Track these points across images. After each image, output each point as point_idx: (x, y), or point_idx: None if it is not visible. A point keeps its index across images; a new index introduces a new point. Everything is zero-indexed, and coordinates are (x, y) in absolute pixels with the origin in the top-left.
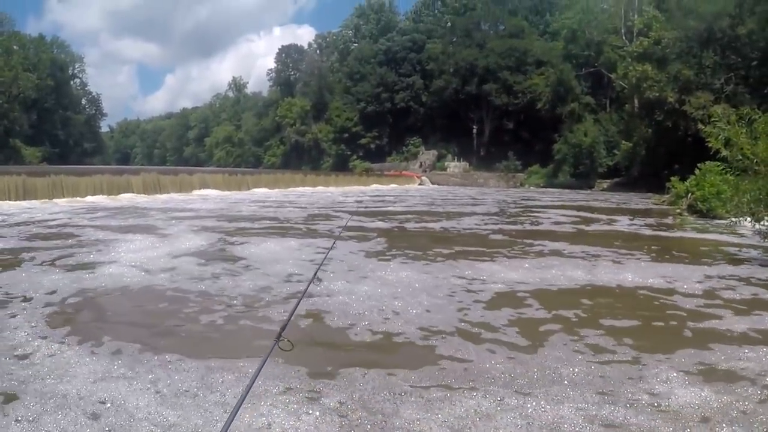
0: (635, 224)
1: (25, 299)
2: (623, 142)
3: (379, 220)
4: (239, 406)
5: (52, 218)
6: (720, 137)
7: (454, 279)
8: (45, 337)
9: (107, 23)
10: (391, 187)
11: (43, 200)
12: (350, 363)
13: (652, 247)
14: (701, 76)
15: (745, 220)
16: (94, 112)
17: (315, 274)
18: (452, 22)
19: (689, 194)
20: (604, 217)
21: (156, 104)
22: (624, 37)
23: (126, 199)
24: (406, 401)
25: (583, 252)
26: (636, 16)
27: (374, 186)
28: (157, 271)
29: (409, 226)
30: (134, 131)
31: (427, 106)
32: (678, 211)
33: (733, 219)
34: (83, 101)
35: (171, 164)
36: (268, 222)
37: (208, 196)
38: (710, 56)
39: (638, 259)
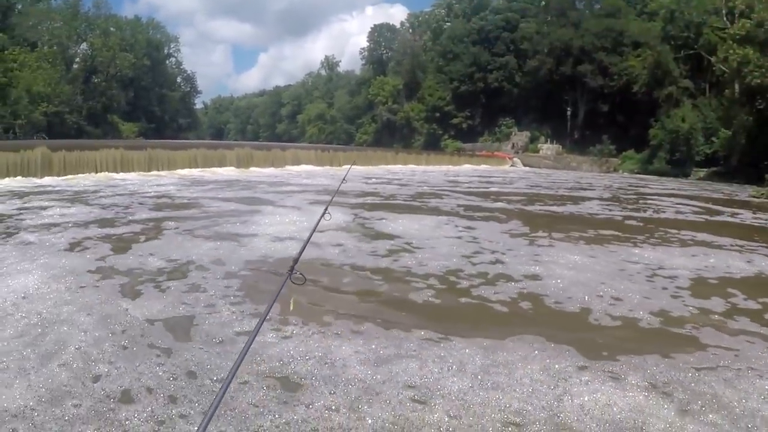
0: (759, 218)
1: (199, 267)
2: (722, 129)
3: (494, 200)
4: (258, 329)
5: (165, 190)
6: None
7: (628, 264)
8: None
9: (202, 4)
10: (482, 168)
11: (140, 173)
12: None
13: None
14: None
15: None
16: (188, 89)
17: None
18: (546, 1)
19: None
20: (723, 208)
21: (249, 82)
22: (725, 19)
23: (221, 173)
24: None
25: (730, 243)
26: None
27: (466, 166)
28: (324, 245)
29: (533, 209)
30: (228, 108)
31: (520, 87)
32: None
33: None
34: (178, 79)
35: (264, 140)
36: (379, 198)
37: (305, 173)
38: None
39: None
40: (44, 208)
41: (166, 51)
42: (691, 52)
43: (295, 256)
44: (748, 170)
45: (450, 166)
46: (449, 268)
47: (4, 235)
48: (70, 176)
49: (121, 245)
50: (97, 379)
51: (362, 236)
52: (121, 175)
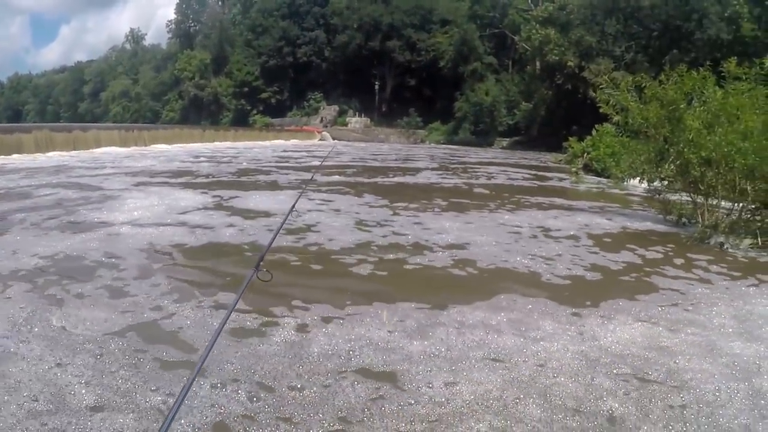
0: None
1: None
2: (523, 102)
3: (329, 174)
4: (220, 329)
5: None
6: (611, 103)
7: (513, 228)
8: None
9: None
10: (292, 143)
11: None
12: None
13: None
14: (603, 43)
15: (637, 179)
16: None
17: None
18: None
19: (585, 154)
20: (547, 174)
21: (50, 57)
22: (530, 2)
23: (18, 159)
24: None
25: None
26: None
27: (276, 141)
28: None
29: (377, 180)
30: (26, 86)
31: (329, 62)
32: (574, 169)
33: (625, 178)
34: None
35: (65, 121)
36: (207, 177)
37: (110, 153)
38: (613, 24)
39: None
40: None
41: None
42: (496, 30)
43: (261, 253)
44: (548, 139)
45: (262, 142)
46: (357, 242)
47: None
48: None
49: None
50: None
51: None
52: None
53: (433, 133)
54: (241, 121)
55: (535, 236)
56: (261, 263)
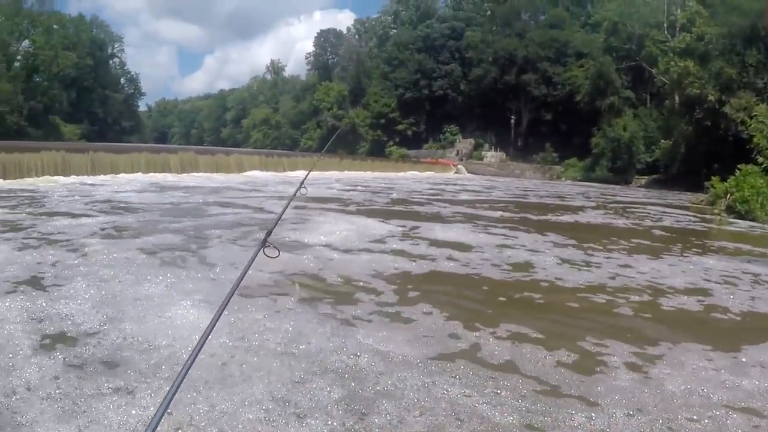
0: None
1: None
2: (662, 140)
3: (491, 208)
4: (227, 302)
5: (127, 196)
6: (766, 133)
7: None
8: None
9: (147, 4)
10: (426, 175)
11: (81, 176)
12: None
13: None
14: (744, 74)
15: None
16: (132, 91)
17: None
18: (492, 10)
19: (728, 195)
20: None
21: (194, 85)
22: (666, 32)
23: (161, 177)
24: None
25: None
26: (679, 11)
27: (411, 173)
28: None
29: (543, 218)
30: (172, 111)
31: (465, 95)
32: (716, 211)
33: None
34: (122, 80)
35: (208, 144)
36: (370, 205)
37: (257, 177)
38: (754, 54)
39: None
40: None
41: (109, 51)
42: (633, 63)
43: (269, 228)
44: (688, 178)
45: (398, 173)
46: (588, 283)
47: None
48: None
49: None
50: None
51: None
52: (74, 179)
53: (569, 170)
54: (377, 152)
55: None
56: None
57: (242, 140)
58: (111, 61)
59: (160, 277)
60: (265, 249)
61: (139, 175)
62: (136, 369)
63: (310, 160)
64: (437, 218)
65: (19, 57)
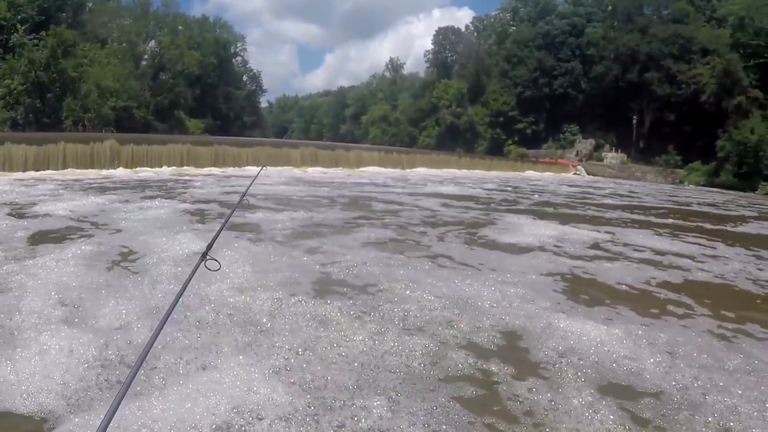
0: None
1: None
2: None
3: (645, 214)
4: (168, 315)
5: (281, 190)
6: None
7: None
8: None
9: (269, 4)
10: (545, 175)
11: (207, 168)
12: None
13: None
14: None
15: None
16: (254, 87)
17: None
18: (613, 5)
19: None
20: None
21: (315, 82)
22: None
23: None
24: None
25: None
26: None
27: (528, 172)
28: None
29: (710, 225)
30: (292, 107)
31: (585, 93)
32: None
33: None
34: (244, 78)
35: (327, 140)
36: (524, 205)
37: (378, 174)
38: None
39: None
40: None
41: (232, 50)
42: (762, 60)
43: (209, 242)
44: None
45: (517, 173)
46: None
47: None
48: (138, 168)
49: None
50: None
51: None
52: (207, 170)
53: (692, 174)
54: (495, 151)
55: None
56: (208, 252)
57: (360, 136)
58: (234, 60)
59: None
60: (206, 262)
61: (267, 169)
62: None
63: (429, 157)
64: (611, 223)
65: (146, 57)
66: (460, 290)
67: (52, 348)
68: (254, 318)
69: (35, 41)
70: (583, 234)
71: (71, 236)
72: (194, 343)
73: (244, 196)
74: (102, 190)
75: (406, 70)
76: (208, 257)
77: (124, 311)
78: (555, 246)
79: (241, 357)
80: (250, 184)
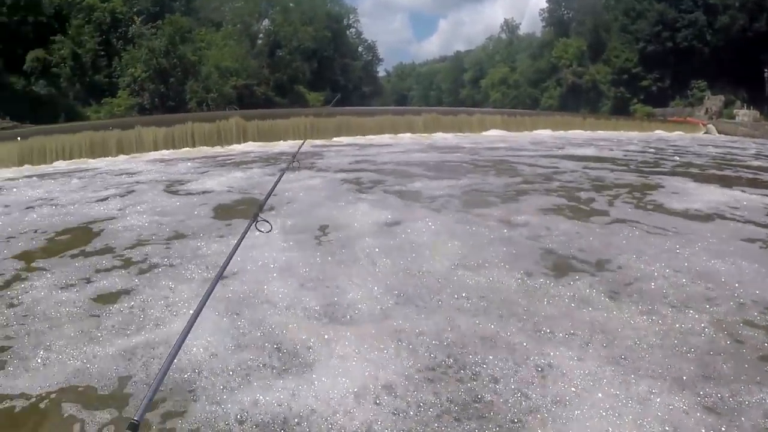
0: None
1: None
2: None
3: None
4: (220, 274)
5: (427, 157)
6: None
7: None
8: None
9: None
10: (674, 135)
11: (335, 138)
12: None
13: None
14: None
15: None
16: (370, 58)
17: None
18: None
19: None
20: None
21: (430, 48)
22: None
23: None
24: None
25: None
26: None
27: (658, 132)
28: None
29: None
30: (410, 74)
31: (711, 46)
32: None
33: None
34: (360, 48)
35: (447, 105)
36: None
37: (504, 137)
38: None
39: None
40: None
41: (345, 22)
42: None
43: (261, 202)
44: None
45: (646, 133)
46: None
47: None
48: (265, 143)
49: None
50: None
51: None
52: (328, 141)
53: None
54: (620, 110)
55: None
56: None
57: (481, 100)
58: (348, 32)
59: None
60: (257, 224)
61: (386, 137)
62: None
63: (552, 119)
64: None
65: (260, 36)
66: (690, 262)
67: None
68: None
69: (153, 31)
70: (756, 199)
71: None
72: None
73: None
74: (239, 164)
75: (522, 30)
76: (259, 218)
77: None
78: (735, 212)
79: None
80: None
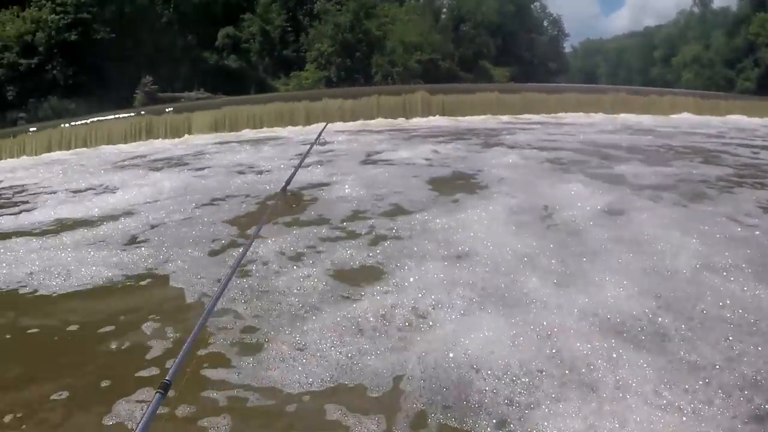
0: None
1: None
2: None
3: None
4: (251, 243)
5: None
6: None
7: None
8: None
9: None
10: None
11: (523, 115)
12: None
13: None
14: None
15: None
16: (556, 32)
17: None
18: None
19: None
20: None
21: (619, 23)
22: None
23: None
24: None
25: None
26: None
27: None
28: None
29: None
30: (599, 50)
31: None
32: None
33: None
34: (545, 23)
35: (637, 85)
36: None
37: (694, 121)
38: None
39: None
40: None
41: None
42: None
43: (288, 178)
44: None
45: None
46: None
47: None
48: (453, 117)
49: None
50: None
51: None
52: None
53: None
54: None
55: None
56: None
57: (673, 80)
58: (532, 6)
59: None
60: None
61: (573, 116)
62: None
63: (749, 104)
64: None
65: (444, 10)
66: None
67: None
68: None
69: (338, 7)
70: None
71: (475, 189)
72: None
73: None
74: (427, 137)
75: (716, 4)
76: (288, 192)
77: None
78: None
79: None
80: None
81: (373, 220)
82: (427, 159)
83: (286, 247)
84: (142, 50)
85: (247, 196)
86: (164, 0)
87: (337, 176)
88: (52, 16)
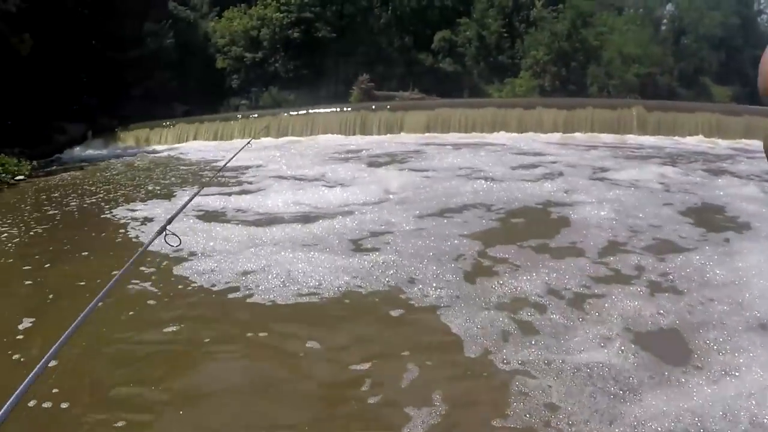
0: None
1: None
2: None
3: None
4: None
5: None
6: None
7: None
8: None
9: None
10: None
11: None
12: None
13: None
14: None
15: None
16: None
17: None
18: None
19: None
20: None
21: None
22: None
23: None
24: None
25: None
26: None
27: None
28: None
29: None
30: None
31: None
32: None
33: None
34: None
35: None
36: None
37: None
38: None
39: None
40: None
41: (756, 7)
42: None
43: (169, 217)
44: None
45: None
46: None
47: None
48: (668, 137)
49: None
50: None
51: None
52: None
53: None
54: None
55: None
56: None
57: None
58: (759, 18)
59: None
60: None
61: None
62: None
63: None
64: None
65: (664, 21)
66: None
67: None
68: None
69: (554, 14)
70: None
71: (738, 227)
72: None
73: None
74: (648, 157)
75: None
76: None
77: None
78: None
79: None
80: None
81: (637, 257)
82: (661, 183)
83: (542, 277)
84: (360, 49)
85: (488, 210)
86: (383, 2)
87: (575, 193)
88: (277, 14)
